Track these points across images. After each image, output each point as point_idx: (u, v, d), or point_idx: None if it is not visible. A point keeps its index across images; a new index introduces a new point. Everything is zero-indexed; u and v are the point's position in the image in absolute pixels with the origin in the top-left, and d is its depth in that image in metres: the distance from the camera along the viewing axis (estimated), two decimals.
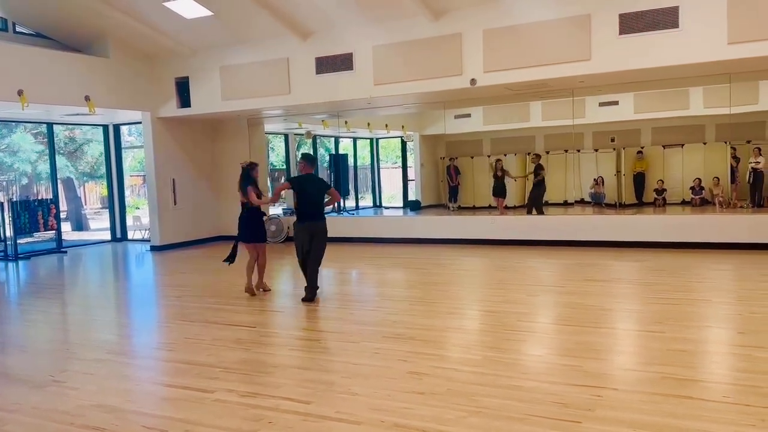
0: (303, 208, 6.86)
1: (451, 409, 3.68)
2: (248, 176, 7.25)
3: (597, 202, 14.01)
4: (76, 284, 9.60)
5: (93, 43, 11.38)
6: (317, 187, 7.00)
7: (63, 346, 5.71)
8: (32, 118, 13.02)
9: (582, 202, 14.19)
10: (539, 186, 12.65)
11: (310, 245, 6.83)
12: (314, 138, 16.20)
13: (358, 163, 18.18)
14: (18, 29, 11.06)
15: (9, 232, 11.53)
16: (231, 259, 7.30)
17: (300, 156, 7.57)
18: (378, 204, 18.30)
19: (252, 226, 7.32)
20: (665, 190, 13.93)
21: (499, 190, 13.38)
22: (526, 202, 13.17)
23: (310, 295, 6.80)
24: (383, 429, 3.45)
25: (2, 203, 11.65)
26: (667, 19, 8.22)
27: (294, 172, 16.11)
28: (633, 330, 5.53)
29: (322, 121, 14.18)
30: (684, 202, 13.81)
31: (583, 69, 8.78)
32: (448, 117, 13.39)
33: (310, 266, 6.86)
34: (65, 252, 12.50)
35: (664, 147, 14.27)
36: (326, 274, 9.50)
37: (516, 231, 10.96)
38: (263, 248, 7.42)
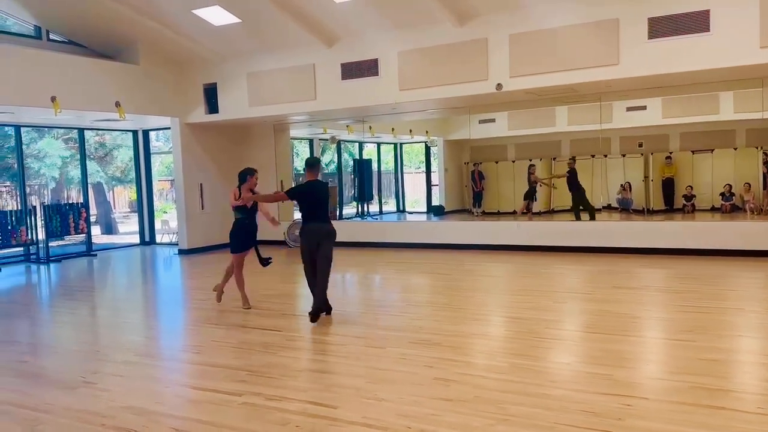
0: (307, 213, 6.47)
1: (479, 416, 3.66)
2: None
3: (624, 208, 13.84)
4: (106, 287, 9.76)
5: (123, 50, 11.61)
6: (323, 193, 6.57)
7: (93, 348, 5.81)
8: (64, 124, 13.29)
9: (609, 207, 14.04)
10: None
11: (318, 251, 6.35)
12: (338, 143, 16.28)
13: (382, 168, 18.21)
14: (51, 37, 11.32)
15: (41, 236, 11.78)
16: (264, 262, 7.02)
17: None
18: (401, 209, 18.31)
19: (239, 236, 7.00)
20: (694, 196, 13.71)
21: (531, 194, 13.40)
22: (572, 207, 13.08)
23: (317, 309, 6.14)
24: None
25: (35, 207, 11.90)
26: (697, 22, 8.10)
27: (318, 177, 16.17)
28: (662, 338, 5.45)
29: (347, 126, 14.26)
30: (714, 209, 13.59)
31: (611, 74, 8.70)
32: (473, 122, 13.37)
33: (319, 278, 6.27)
34: (95, 255, 12.72)
35: (693, 152, 14.06)
36: (350, 279, 9.54)
37: (542, 237, 10.87)
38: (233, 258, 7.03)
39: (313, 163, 6.63)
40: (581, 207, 12.53)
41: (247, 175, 7.07)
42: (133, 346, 5.74)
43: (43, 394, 4.36)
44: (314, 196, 6.44)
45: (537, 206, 14.46)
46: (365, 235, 12.63)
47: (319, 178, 6.68)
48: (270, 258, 7.06)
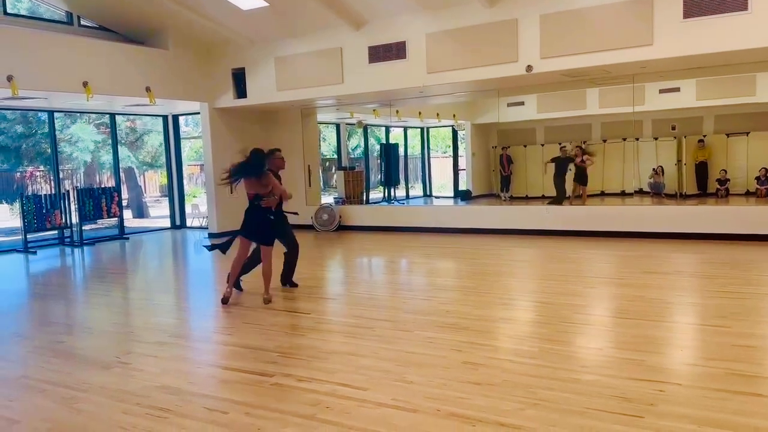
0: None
1: (508, 400, 3.64)
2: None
3: (656, 192, 13.59)
4: (138, 269, 9.94)
5: (153, 36, 11.71)
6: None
7: (126, 329, 5.92)
8: (95, 109, 13.50)
9: (641, 192, 13.79)
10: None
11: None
12: (365, 127, 16.25)
13: (409, 153, 18.14)
14: (82, 22, 11.47)
15: (74, 219, 12.02)
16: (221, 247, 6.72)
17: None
18: (428, 193, 18.25)
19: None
20: (728, 180, 13.39)
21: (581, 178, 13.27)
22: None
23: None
24: (439, 418, 3.45)
25: (68, 191, 12.15)
26: (735, 1, 7.85)
27: (344, 162, 16.23)
28: (696, 324, 5.35)
29: (374, 110, 14.21)
30: (748, 193, 13.25)
31: (644, 54, 8.50)
32: (501, 105, 13.20)
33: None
34: (127, 238, 12.96)
35: (727, 135, 13.70)
36: (377, 263, 9.56)
37: (571, 221, 10.74)
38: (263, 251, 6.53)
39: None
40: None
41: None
42: (165, 327, 5.84)
43: (79, 374, 4.47)
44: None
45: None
46: (392, 220, 12.63)
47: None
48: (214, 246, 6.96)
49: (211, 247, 7.07)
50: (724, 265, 7.78)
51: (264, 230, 6.46)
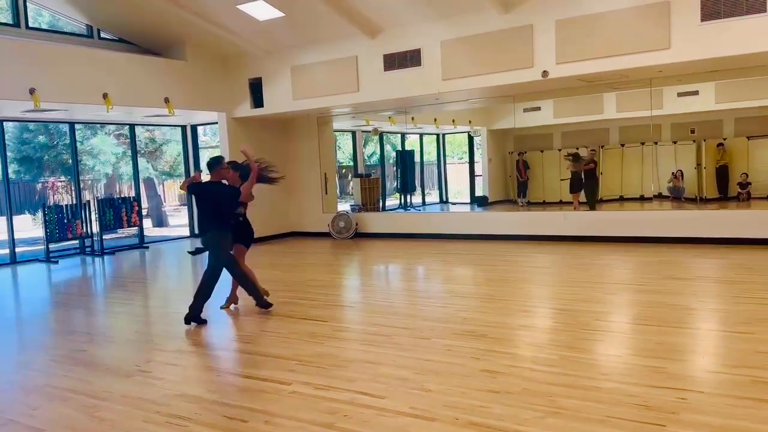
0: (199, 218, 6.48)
1: (528, 408, 3.62)
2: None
3: (676, 196, 13.45)
4: (158, 278, 10.03)
5: (171, 47, 11.86)
6: (211, 195, 6.36)
7: (146, 338, 5.98)
8: (115, 120, 13.68)
9: (660, 196, 13.65)
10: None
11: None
12: (381, 135, 16.28)
13: (425, 159, 18.13)
14: (102, 35, 11.65)
15: (95, 229, 12.17)
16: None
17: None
18: (444, 200, 18.21)
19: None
20: (750, 183, 13.20)
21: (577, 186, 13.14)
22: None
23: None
24: (458, 427, 3.44)
25: (89, 201, 12.30)
26: (752, 3, 7.76)
27: (361, 169, 16.26)
28: (719, 330, 5.28)
29: (389, 117, 14.24)
30: None
31: (662, 58, 8.43)
32: (517, 111, 13.17)
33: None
34: (147, 247, 13.08)
35: (748, 138, 13.52)
36: (394, 270, 9.55)
37: (590, 227, 10.66)
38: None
39: (208, 164, 6.41)
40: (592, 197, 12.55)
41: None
42: (185, 335, 5.89)
43: (100, 382, 4.52)
44: (206, 197, 6.42)
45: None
46: (408, 227, 12.64)
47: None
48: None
49: (195, 251, 6.94)
50: (746, 270, 7.66)
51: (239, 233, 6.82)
